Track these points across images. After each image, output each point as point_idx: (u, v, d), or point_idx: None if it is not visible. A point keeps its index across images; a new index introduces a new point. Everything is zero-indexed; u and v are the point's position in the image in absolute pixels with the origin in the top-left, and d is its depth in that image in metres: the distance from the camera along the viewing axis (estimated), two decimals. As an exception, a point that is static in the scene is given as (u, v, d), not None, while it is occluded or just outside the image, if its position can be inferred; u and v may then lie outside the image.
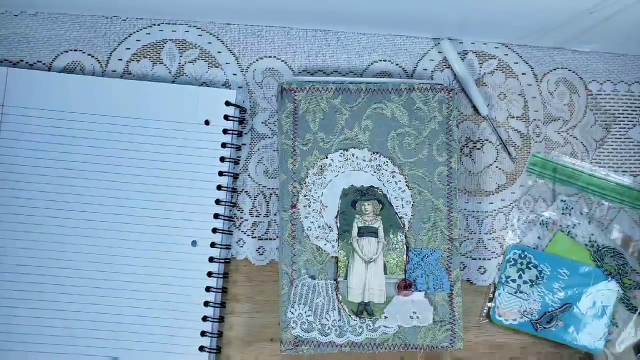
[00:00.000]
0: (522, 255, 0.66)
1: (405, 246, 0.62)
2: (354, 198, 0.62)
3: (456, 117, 0.64)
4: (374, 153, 0.63)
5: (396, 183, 0.63)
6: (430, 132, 0.64)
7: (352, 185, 0.63)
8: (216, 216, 0.63)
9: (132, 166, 0.63)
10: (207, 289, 0.62)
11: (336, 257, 0.61)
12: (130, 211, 0.62)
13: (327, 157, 0.63)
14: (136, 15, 0.67)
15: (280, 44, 0.68)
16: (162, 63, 0.67)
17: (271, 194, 0.66)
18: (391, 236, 0.62)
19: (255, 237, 0.65)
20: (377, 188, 0.63)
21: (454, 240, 0.62)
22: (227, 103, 0.65)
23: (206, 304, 0.62)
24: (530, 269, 0.66)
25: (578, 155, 0.70)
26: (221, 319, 0.63)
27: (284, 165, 0.63)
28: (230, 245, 0.65)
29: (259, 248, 0.65)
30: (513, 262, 0.66)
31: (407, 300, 0.61)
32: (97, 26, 0.66)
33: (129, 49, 0.66)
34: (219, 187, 0.64)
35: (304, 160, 0.63)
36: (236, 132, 0.65)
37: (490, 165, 0.69)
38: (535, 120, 0.70)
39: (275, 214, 0.66)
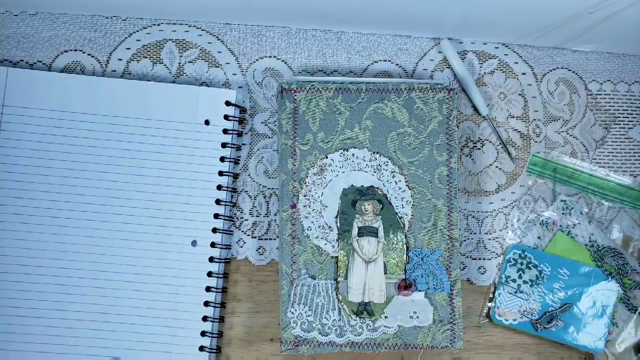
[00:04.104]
0: (522, 255, 0.66)
1: (405, 246, 0.62)
2: (354, 198, 0.62)
3: (456, 117, 0.64)
4: (374, 153, 0.63)
5: (396, 183, 0.63)
6: (430, 132, 0.64)
7: (352, 185, 0.63)
8: (216, 216, 0.63)
9: (133, 166, 0.63)
10: (207, 289, 0.62)
11: (336, 257, 0.62)
12: (130, 211, 0.63)
13: (327, 157, 0.63)
14: (136, 15, 0.67)
15: (280, 44, 0.68)
16: (162, 63, 0.67)
17: (271, 194, 0.66)
18: (391, 236, 0.62)
19: (255, 237, 0.65)
20: (377, 188, 0.63)
21: (454, 240, 0.62)
22: (227, 103, 0.65)
23: (206, 304, 0.62)
24: (530, 269, 0.66)
25: (578, 155, 0.70)
26: (221, 319, 0.63)
27: (284, 165, 0.63)
28: (230, 245, 0.65)
29: (259, 248, 0.65)
30: (513, 262, 0.66)
31: (407, 300, 0.61)
32: (97, 26, 0.66)
33: (129, 48, 0.66)
34: (219, 187, 0.64)
35: (304, 160, 0.63)
36: (236, 132, 0.65)
37: (490, 165, 0.69)
38: (535, 120, 0.70)
39: (275, 214, 0.66)
